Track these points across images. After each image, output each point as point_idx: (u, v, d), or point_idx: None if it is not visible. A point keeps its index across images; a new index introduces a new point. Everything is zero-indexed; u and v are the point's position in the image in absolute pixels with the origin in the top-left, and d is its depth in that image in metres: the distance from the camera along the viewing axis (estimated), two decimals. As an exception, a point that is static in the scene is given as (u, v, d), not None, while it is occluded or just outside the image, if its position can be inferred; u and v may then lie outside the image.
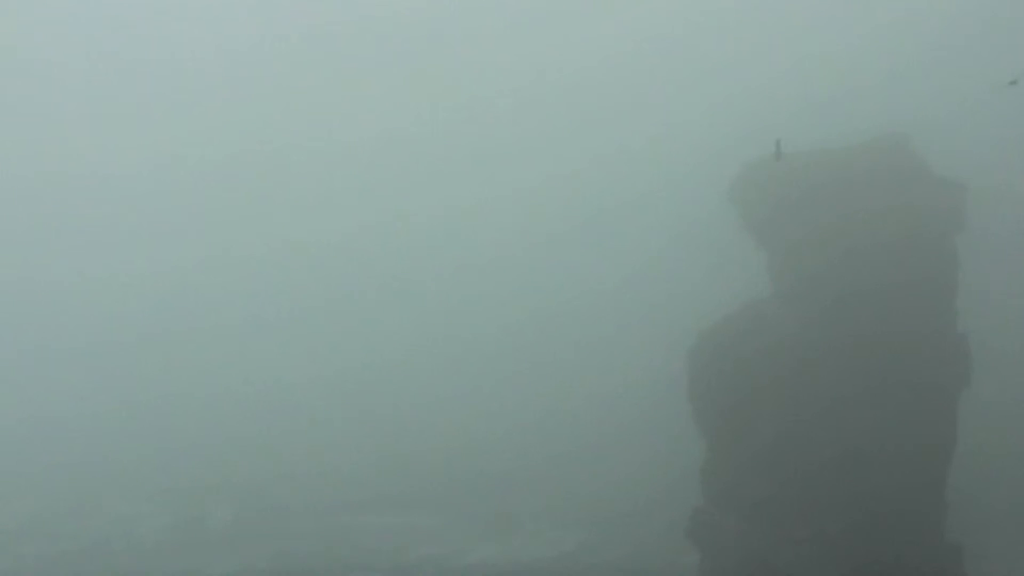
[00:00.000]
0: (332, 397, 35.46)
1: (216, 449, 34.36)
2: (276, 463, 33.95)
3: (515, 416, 33.02)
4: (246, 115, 41.46)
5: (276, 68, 42.42)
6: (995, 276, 24.98)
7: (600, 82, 34.12)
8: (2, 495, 33.07)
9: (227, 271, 38.70)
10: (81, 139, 42.04)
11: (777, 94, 29.40)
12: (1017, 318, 25.37)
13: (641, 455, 29.32)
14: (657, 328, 29.39)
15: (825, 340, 24.51)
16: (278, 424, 35.25)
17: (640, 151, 32.81)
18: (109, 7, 42.33)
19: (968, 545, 23.39)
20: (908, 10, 27.52)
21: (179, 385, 35.99)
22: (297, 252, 38.75)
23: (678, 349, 25.98)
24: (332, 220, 38.33)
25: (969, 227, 23.82)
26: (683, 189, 29.64)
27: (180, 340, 37.46)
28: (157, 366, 36.72)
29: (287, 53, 42.58)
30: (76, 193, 41.66)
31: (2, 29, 42.27)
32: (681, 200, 29.75)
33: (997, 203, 24.90)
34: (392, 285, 36.99)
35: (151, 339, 37.74)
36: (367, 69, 40.82)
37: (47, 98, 42.64)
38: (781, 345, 24.86)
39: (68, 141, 42.04)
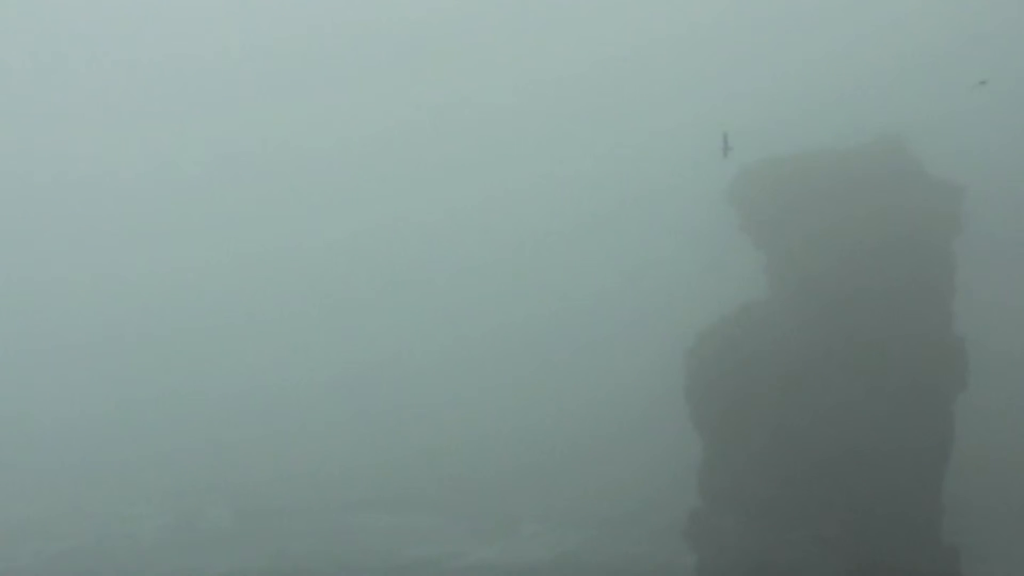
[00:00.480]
0: (330, 398, 35.49)
1: (214, 450, 34.39)
2: (274, 464, 33.98)
3: (513, 418, 33.08)
4: (248, 116, 41.45)
5: (276, 70, 42.42)
6: (992, 279, 25.01)
7: (599, 84, 34.14)
8: (1, 495, 33.05)
9: (225, 272, 38.73)
10: (83, 140, 42.03)
11: (775, 96, 29.42)
12: (1013, 321, 25.41)
13: (639, 456, 29.38)
14: (656, 329, 29.43)
15: (823, 342, 24.53)
16: (276, 425, 35.29)
17: (639, 153, 32.84)
18: (111, 8, 42.33)
19: (964, 547, 23.43)
20: (905, 12, 27.54)
21: (177, 386, 36.01)
22: (296, 253, 38.79)
23: (677, 350, 26.01)
24: (327, 221, 38.36)
25: (966, 230, 23.84)
26: (683, 191, 29.67)
27: (178, 341, 37.49)
28: (155, 367, 36.72)
29: (287, 55, 42.59)
30: (75, 193, 41.64)
31: (5, 29, 42.31)
32: (680, 202, 29.79)
33: (994, 206, 24.93)
34: (391, 287, 37.03)
35: (149, 340, 37.76)
36: (368, 70, 40.82)
37: (48, 99, 42.63)
38: (779, 347, 24.89)
39: (70, 142, 42.04)
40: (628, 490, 29.42)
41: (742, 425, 25.07)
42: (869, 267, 24.52)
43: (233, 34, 42.02)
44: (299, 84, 41.50)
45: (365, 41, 39.99)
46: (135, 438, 35.11)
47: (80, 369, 37.83)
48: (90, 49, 41.88)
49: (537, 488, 31.30)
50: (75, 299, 39.70)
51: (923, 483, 23.84)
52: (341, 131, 40.67)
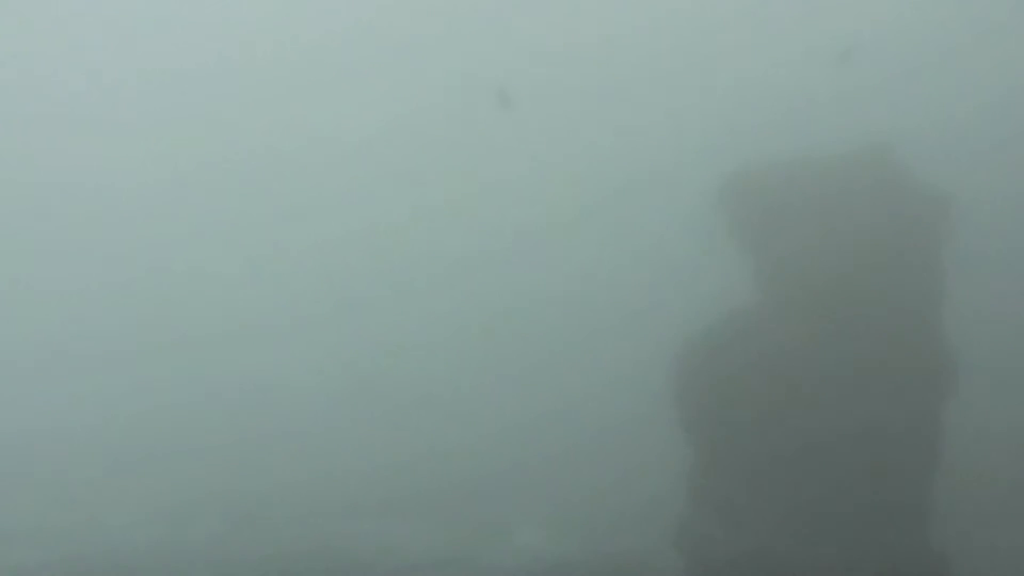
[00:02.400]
0: (320, 403, 35.48)
1: (205, 457, 34.40)
2: (265, 471, 33.95)
3: (504, 420, 33.10)
4: (249, 116, 41.40)
5: (275, 69, 42.40)
6: (984, 285, 25.00)
7: (586, 80, 34.07)
8: (-8, 502, 33.01)
9: (218, 277, 38.72)
10: (83, 144, 42.02)
11: (769, 96, 29.39)
12: (1005, 328, 25.43)
13: (627, 464, 29.39)
14: (646, 333, 29.44)
15: (814, 347, 24.53)
16: (268, 432, 35.28)
17: (630, 151, 32.82)
18: (110, 10, 42.31)
19: (954, 552, 23.49)
20: (899, 13, 27.50)
21: (168, 392, 36.01)
22: (286, 256, 38.80)
23: (670, 354, 26.01)
24: (320, 221, 38.35)
25: (960, 235, 23.81)
26: (672, 194, 29.67)
27: (168, 346, 37.52)
28: (147, 371, 36.72)
29: (285, 55, 42.57)
30: (73, 198, 41.68)
31: (6, 31, 42.33)
32: (669, 205, 29.78)
33: (987, 212, 24.91)
34: (383, 290, 37.01)
35: (140, 344, 37.78)
36: (365, 64, 40.78)
37: (48, 104, 42.61)
38: (771, 352, 24.88)
39: (69, 146, 42.03)
40: (616, 498, 29.45)
41: (732, 431, 25.09)
42: (861, 274, 24.53)
43: (231, 34, 42.07)
44: (300, 82, 41.56)
45: (362, 35, 40.00)
46: (127, 446, 35.14)
47: (71, 375, 37.90)
48: (84, 51, 41.96)
49: (528, 493, 31.31)
50: (71, 308, 39.79)
51: (913, 489, 23.89)
52: (339, 128, 40.72)
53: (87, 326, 38.30)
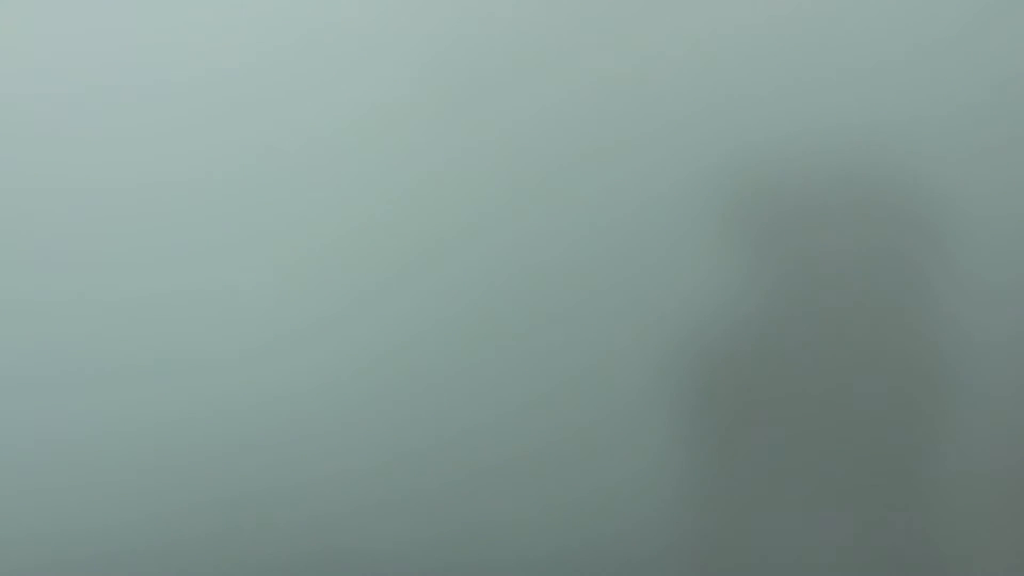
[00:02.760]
0: (320, 401, 35.46)
1: (207, 456, 34.34)
2: (267, 470, 33.94)
3: (505, 420, 33.07)
4: (247, 117, 41.24)
5: (271, 69, 42.27)
6: (986, 284, 24.93)
7: (578, 60, 34.11)
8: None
9: (218, 275, 38.78)
10: (81, 147, 41.80)
11: (772, 94, 29.35)
12: (1007, 326, 25.37)
13: (631, 465, 29.32)
14: (650, 333, 29.41)
15: (817, 348, 24.48)
16: (269, 431, 35.26)
17: (634, 149, 32.89)
18: (106, 11, 42.14)
19: (954, 553, 23.36)
20: (899, 5, 27.46)
21: (172, 392, 35.96)
22: (284, 256, 38.89)
23: (672, 355, 25.85)
24: (306, 221, 38.36)
25: (960, 235, 23.67)
26: (672, 190, 29.66)
27: (173, 347, 37.55)
28: (149, 372, 36.68)
29: (280, 54, 42.49)
30: (74, 203, 41.43)
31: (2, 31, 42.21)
32: (670, 200, 29.77)
33: (990, 210, 24.81)
34: (378, 289, 37.02)
35: (144, 346, 37.81)
36: (360, 56, 40.69)
37: (43, 105, 42.47)
38: (778, 354, 24.84)
39: (67, 149, 41.83)
40: (628, 495, 29.33)
41: (736, 434, 25.06)
42: (861, 271, 24.46)
43: (229, 34, 42.24)
44: (296, 80, 41.72)
45: (356, 29, 40.17)
46: (124, 445, 35.11)
47: (71, 377, 37.92)
48: (80, 51, 42.16)
49: (531, 492, 31.25)
50: (79, 308, 39.85)
51: (919, 490, 23.82)
52: (318, 126, 40.83)
53: (87, 328, 38.46)
